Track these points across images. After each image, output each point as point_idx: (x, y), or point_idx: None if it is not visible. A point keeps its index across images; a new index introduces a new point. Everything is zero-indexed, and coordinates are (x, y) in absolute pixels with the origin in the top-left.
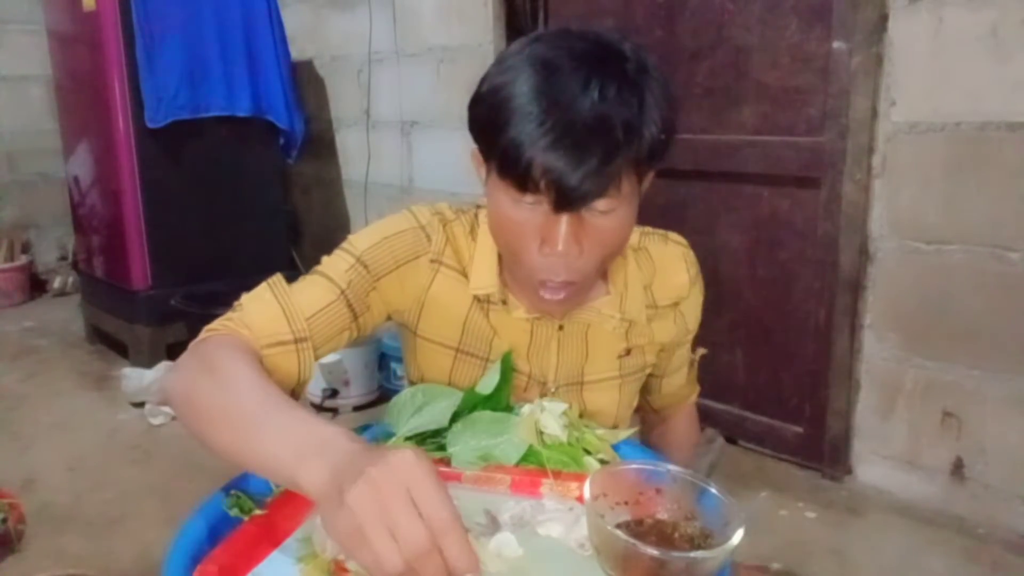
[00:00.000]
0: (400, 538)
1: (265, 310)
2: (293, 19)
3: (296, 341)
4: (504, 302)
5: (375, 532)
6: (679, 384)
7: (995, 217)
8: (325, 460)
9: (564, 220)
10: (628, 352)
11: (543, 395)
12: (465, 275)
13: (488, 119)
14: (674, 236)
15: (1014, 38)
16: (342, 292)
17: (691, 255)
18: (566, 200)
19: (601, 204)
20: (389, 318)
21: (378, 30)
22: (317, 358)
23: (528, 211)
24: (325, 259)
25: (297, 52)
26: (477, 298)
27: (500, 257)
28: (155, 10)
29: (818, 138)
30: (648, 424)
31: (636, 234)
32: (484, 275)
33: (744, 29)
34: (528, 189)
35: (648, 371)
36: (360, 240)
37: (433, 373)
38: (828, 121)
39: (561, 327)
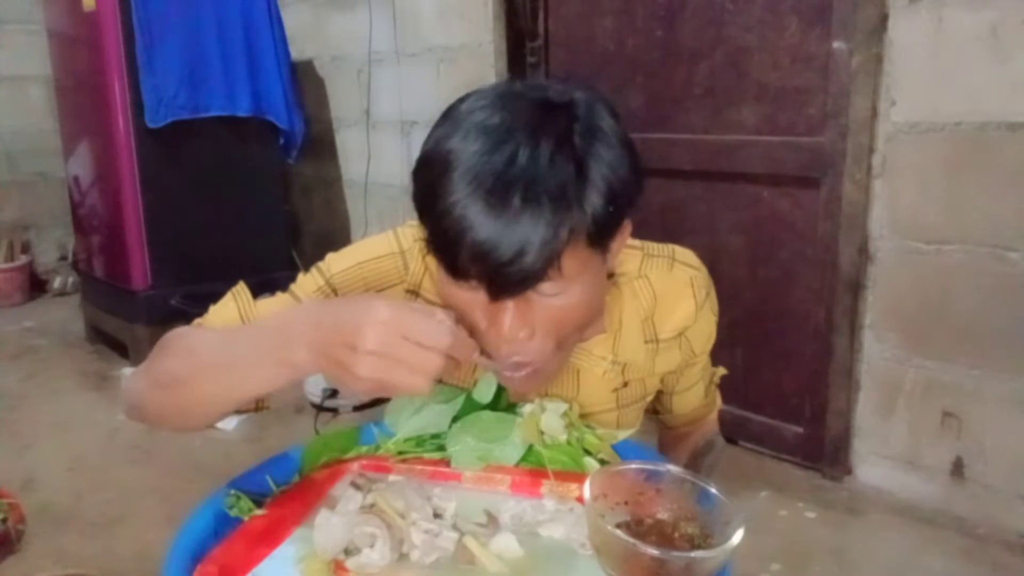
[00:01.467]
0: (421, 371)
1: (224, 316)
2: (293, 19)
3: None
4: None
5: (399, 379)
6: (694, 405)
7: (995, 217)
8: (303, 344)
9: (508, 304)
10: (626, 384)
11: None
12: (445, 307)
13: (419, 196)
14: (682, 257)
15: (1014, 38)
16: None
17: (701, 278)
18: (498, 290)
19: (544, 287)
20: None
21: (378, 30)
22: None
23: (470, 292)
24: (300, 277)
25: (297, 52)
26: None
27: None
28: (155, 10)
29: (818, 138)
30: (665, 443)
31: (638, 257)
32: None
33: (744, 29)
34: (460, 277)
35: (650, 397)
36: (335, 262)
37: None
38: (828, 121)
39: None
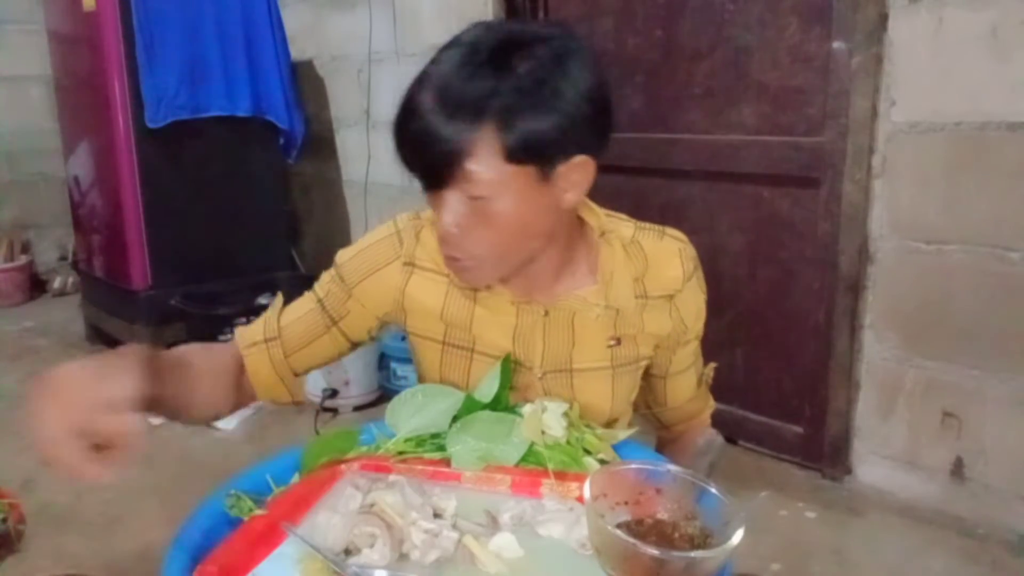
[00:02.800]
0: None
1: (258, 320)
2: (293, 19)
3: (266, 341)
4: (488, 287)
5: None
6: (687, 396)
7: (995, 217)
8: None
9: (442, 199)
10: (619, 342)
11: (539, 378)
12: (441, 272)
13: None
14: (672, 232)
15: (1014, 38)
16: (319, 300)
17: (689, 251)
18: (422, 177)
19: (470, 189)
20: (386, 324)
21: (378, 30)
22: (296, 361)
23: (431, 200)
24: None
25: (297, 52)
26: (458, 288)
27: None
28: (155, 10)
29: (818, 138)
30: (661, 444)
31: (631, 228)
32: None
33: (744, 29)
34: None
35: (643, 364)
36: (344, 253)
37: (426, 368)
38: (828, 121)
39: (546, 312)
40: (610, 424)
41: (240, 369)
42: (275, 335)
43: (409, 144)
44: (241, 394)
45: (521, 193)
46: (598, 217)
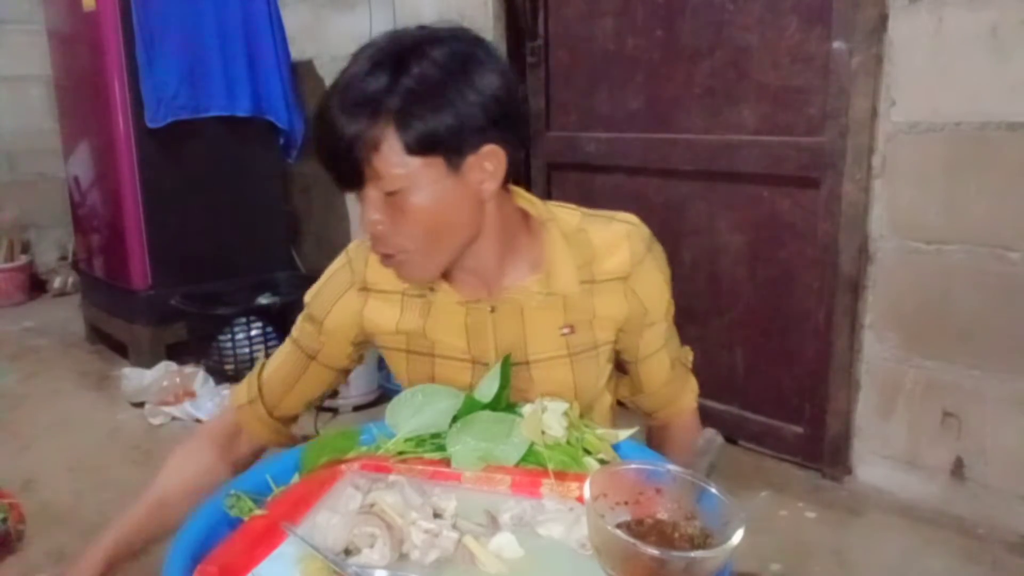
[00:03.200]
0: None
1: (245, 379)
2: (293, 19)
3: (249, 402)
4: (432, 289)
5: None
6: (662, 379)
7: (995, 217)
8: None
9: (363, 197)
10: (572, 329)
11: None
12: (394, 290)
13: None
14: (622, 216)
15: (1014, 38)
16: (295, 341)
17: (639, 232)
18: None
19: (383, 184)
20: (361, 345)
21: (378, 30)
22: (284, 409)
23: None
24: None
25: (297, 52)
26: (407, 294)
27: None
28: (155, 10)
29: (818, 138)
30: (654, 439)
31: (577, 216)
32: None
33: (744, 29)
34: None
35: (604, 349)
36: (309, 293)
37: (398, 375)
38: (828, 121)
39: (493, 308)
40: (584, 412)
41: (237, 429)
42: (256, 395)
43: (320, 145)
44: (238, 458)
45: (434, 185)
46: (537, 207)
